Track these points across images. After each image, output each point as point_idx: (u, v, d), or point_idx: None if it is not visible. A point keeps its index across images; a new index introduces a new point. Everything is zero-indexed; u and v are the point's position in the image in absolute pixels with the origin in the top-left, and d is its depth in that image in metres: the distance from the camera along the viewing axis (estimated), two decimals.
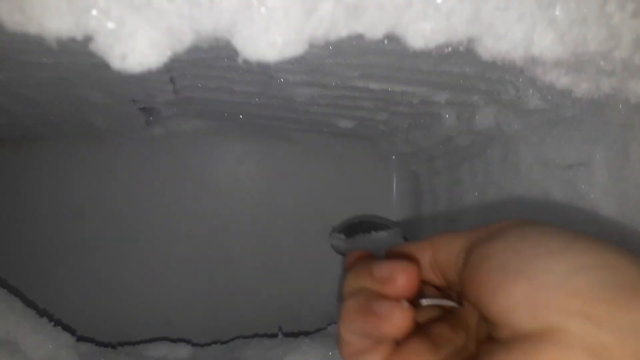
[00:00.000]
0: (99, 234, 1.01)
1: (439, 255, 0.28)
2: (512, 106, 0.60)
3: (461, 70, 0.52)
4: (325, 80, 0.57)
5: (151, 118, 0.91)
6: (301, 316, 1.09)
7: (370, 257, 0.31)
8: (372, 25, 0.27)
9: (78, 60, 0.48)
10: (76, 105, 0.78)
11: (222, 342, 0.90)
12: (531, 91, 0.54)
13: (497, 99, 0.61)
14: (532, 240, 0.22)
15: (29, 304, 0.71)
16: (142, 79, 0.62)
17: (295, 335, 0.88)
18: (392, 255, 0.30)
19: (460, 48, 0.29)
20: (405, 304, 0.25)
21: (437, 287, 0.30)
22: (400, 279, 0.25)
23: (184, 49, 0.28)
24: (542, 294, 0.20)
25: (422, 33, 0.27)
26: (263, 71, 0.55)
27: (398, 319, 0.24)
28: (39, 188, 0.99)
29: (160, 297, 1.04)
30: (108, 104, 0.77)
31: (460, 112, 0.69)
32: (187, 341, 0.91)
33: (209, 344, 0.91)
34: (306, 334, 0.92)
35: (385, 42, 0.29)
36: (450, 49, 0.30)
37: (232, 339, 0.90)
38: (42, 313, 0.74)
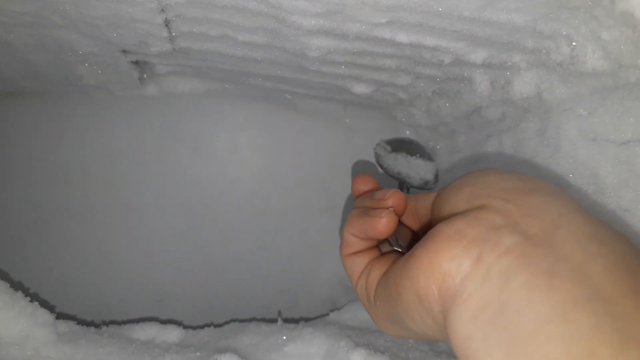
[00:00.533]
0: (85, 201, 0.93)
1: (418, 205, 0.38)
2: (560, 69, 0.52)
3: (510, 18, 0.44)
4: (345, 28, 0.49)
5: (145, 75, 0.82)
6: (299, 299, 1.02)
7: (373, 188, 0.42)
8: None
9: None
10: (60, 53, 0.69)
11: (216, 325, 0.83)
12: (591, 48, 0.45)
13: (543, 61, 0.52)
14: (480, 171, 0.32)
15: (2, 275, 0.63)
16: (132, 19, 0.54)
17: (295, 321, 0.81)
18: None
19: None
20: (392, 210, 0.35)
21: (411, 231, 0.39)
22: (390, 199, 0.36)
23: None
24: (479, 192, 0.30)
25: None
26: (274, 12, 0.46)
27: (385, 219, 0.34)
28: (21, 148, 0.91)
29: (150, 273, 0.96)
30: (95, 53, 0.68)
31: (495, 77, 0.60)
32: (178, 323, 0.83)
33: (201, 327, 0.83)
34: (306, 319, 0.84)
35: None
36: None
37: (227, 322, 0.83)
38: (16, 286, 0.66)
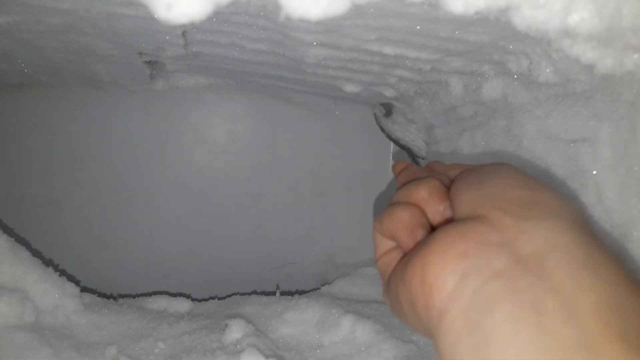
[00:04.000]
0: (96, 186, 1.01)
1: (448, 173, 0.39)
2: (521, 78, 0.61)
3: (478, 38, 0.53)
4: (341, 42, 0.57)
5: (155, 72, 0.90)
6: (292, 275, 1.11)
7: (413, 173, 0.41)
8: None
9: (95, 7, 0.47)
10: (81, 54, 0.76)
11: (219, 298, 0.92)
12: (544, 64, 0.55)
13: (507, 70, 0.61)
14: (492, 169, 0.33)
15: (35, 253, 0.71)
16: (154, 30, 0.62)
17: (290, 294, 0.91)
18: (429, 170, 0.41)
19: (496, 15, 0.30)
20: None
21: None
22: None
23: (227, 2, 0.28)
24: (482, 199, 0.30)
25: None
26: (280, 28, 0.54)
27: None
28: (38, 136, 0.98)
29: (156, 251, 1.05)
30: (114, 55, 0.76)
31: (468, 82, 0.70)
32: (186, 295, 0.93)
33: (206, 299, 0.93)
34: (300, 292, 0.94)
35: (426, 6, 0.29)
36: (482, 15, 0.31)
37: (229, 295, 0.92)
38: (47, 263, 0.74)
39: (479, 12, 0.29)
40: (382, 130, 0.78)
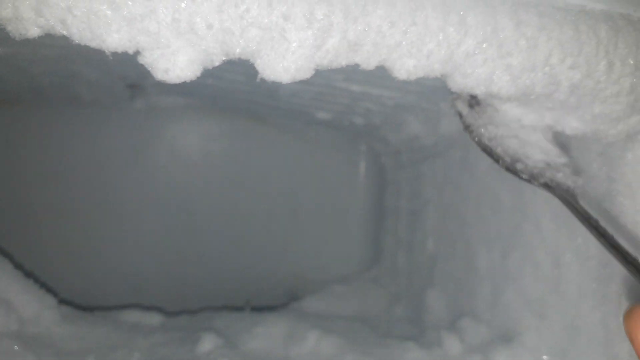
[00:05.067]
0: (72, 201, 1.04)
1: None
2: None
3: (432, 83, 0.60)
4: (313, 80, 0.63)
5: (136, 93, 0.95)
6: (265, 290, 1.15)
7: None
8: (367, 59, 0.34)
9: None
10: (66, 78, 0.81)
11: (191, 312, 0.96)
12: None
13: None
14: None
15: (16, 266, 0.74)
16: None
17: (258, 309, 0.95)
18: None
19: (434, 79, 0.36)
20: None
21: None
22: None
23: (213, 66, 0.34)
24: None
25: (406, 68, 0.34)
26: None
27: None
28: (17, 152, 1.01)
29: (131, 265, 1.08)
30: (97, 79, 0.80)
31: (427, 117, 0.77)
32: (158, 308, 0.96)
33: (177, 313, 0.96)
34: (268, 308, 0.98)
35: (377, 72, 0.35)
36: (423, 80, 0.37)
37: (201, 309, 0.96)
38: (28, 275, 0.78)
39: (420, 79, 0.35)
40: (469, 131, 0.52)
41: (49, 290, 0.85)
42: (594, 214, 0.38)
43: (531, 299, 0.61)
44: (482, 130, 0.46)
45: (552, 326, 0.57)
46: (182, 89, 0.89)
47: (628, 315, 0.32)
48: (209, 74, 0.73)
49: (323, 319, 0.88)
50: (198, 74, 0.33)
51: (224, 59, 0.33)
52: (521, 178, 0.45)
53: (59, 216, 1.03)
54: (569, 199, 0.41)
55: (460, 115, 0.51)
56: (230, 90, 0.82)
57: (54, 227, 1.03)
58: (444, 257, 0.82)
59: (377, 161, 1.11)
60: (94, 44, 0.31)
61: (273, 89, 0.72)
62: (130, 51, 0.32)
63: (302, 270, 1.18)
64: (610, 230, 0.36)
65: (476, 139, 0.48)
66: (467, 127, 0.49)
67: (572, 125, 0.40)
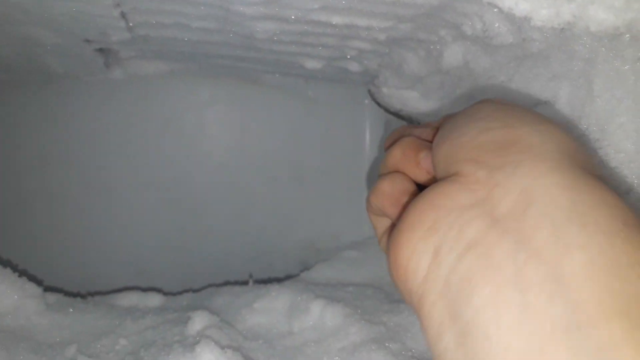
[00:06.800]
0: (63, 182, 0.98)
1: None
2: (479, 42, 0.58)
3: (426, 1, 0.50)
4: (285, 13, 0.54)
5: (110, 60, 0.87)
6: (273, 263, 1.09)
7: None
8: None
9: None
10: (27, 47, 0.73)
11: (194, 291, 0.90)
12: (497, 24, 0.51)
13: (463, 34, 0.58)
14: (468, 113, 0.28)
15: None
16: (91, 14, 0.58)
17: (266, 282, 0.88)
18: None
19: None
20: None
21: None
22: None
23: None
24: (455, 152, 0.26)
25: None
26: (219, 3, 0.51)
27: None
28: None
29: (129, 248, 1.02)
30: (60, 44, 0.72)
31: (428, 50, 0.67)
32: (158, 290, 0.90)
33: (180, 293, 0.90)
34: (277, 280, 0.92)
35: None
36: None
37: (204, 287, 0.90)
38: (5, 264, 0.72)
39: None
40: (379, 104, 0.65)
41: (34, 278, 0.79)
42: None
43: None
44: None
45: None
46: (156, 49, 0.80)
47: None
48: (174, 25, 0.65)
49: (331, 287, 0.81)
50: None
51: None
52: None
53: (46, 201, 0.97)
54: None
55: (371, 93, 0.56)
56: (206, 44, 0.73)
57: (42, 214, 0.97)
58: None
59: (383, 114, 1.02)
60: None
61: (247, 33, 0.63)
62: None
63: (312, 239, 1.11)
64: None
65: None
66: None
67: (599, 17, 0.30)
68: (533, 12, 0.32)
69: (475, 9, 0.51)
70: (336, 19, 0.56)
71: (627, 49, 0.37)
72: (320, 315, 0.66)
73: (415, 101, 0.71)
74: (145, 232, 1.03)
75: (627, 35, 0.32)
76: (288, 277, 1.02)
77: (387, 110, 0.65)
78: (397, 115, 0.72)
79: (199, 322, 0.61)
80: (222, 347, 0.52)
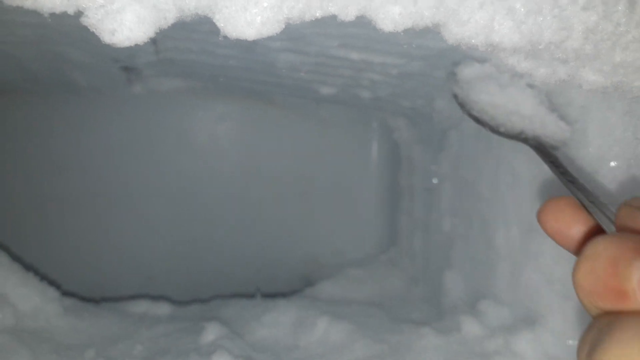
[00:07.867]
0: (79, 191, 1.02)
1: None
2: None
3: (435, 45, 0.54)
4: (307, 49, 0.59)
5: (132, 77, 0.91)
6: (277, 276, 1.12)
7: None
8: (344, 7, 0.29)
9: (63, 20, 0.48)
10: (57, 62, 0.78)
11: (202, 301, 0.93)
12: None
13: None
14: None
15: (15, 258, 0.72)
16: None
17: (272, 296, 0.92)
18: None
19: (427, 30, 0.31)
20: None
21: None
22: None
23: (168, 25, 0.29)
24: None
25: (391, 17, 0.29)
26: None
27: None
28: (19, 142, 1.00)
29: (140, 255, 1.06)
30: (89, 62, 0.77)
31: (436, 85, 0.71)
32: (167, 298, 0.94)
33: (188, 302, 0.94)
34: (282, 294, 0.95)
35: (357, 25, 0.31)
36: (413, 33, 0.32)
37: (212, 298, 0.94)
38: (28, 267, 0.76)
39: (408, 30, 0.30)
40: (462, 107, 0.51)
41: (53, 282, 0.83)
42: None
43: (554, 278, 0.56)
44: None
45: (578, 307, 0.52)
46: (178, 70, 0.85)
47: (541, 210, 0.28)
48: (200, 51, 0.69)
49: (336, 304, 0.84)
50: (151, 34, 0.29)
51: (179, 15, 0.29)
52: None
53: (63, 207, 1.01)
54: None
55: (456, 96, 0.51)
56: (228, 68, 0.78)
57: (59, 219, 1.01)
58: (461, 237, 0.77)
59: (390, 137, 1.06)
60: (27, 4, 0.27)
61: (269, 62, 0.68)
62: (71, 11, 0.28)
63: (316, 255, 1.15)
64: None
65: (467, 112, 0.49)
66: (461, 106, 0.51)
67: (589, 78, 0.35)
68: (533, 69, 0.36)
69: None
70: (353, 55, 0.60)
71: (616, 103, 0.41)
72: (325, 331, 0.69)
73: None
74: (156, 241, 1.07)
75: (616, 94, 0.36)
76: (291, 289, 1.06)
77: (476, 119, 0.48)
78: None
79: (211, 332, 0.64)
80: (236, 357, 0.55)
